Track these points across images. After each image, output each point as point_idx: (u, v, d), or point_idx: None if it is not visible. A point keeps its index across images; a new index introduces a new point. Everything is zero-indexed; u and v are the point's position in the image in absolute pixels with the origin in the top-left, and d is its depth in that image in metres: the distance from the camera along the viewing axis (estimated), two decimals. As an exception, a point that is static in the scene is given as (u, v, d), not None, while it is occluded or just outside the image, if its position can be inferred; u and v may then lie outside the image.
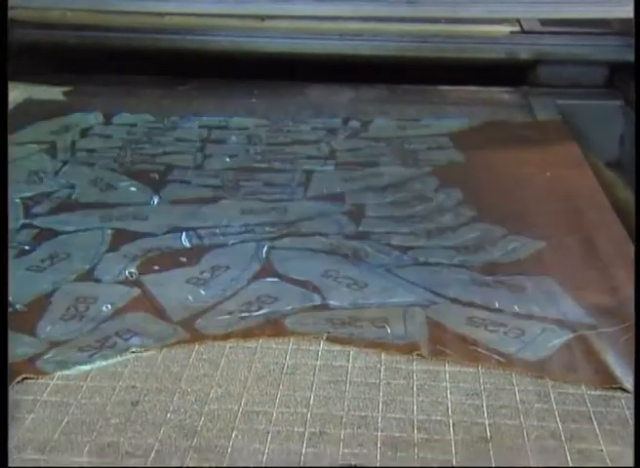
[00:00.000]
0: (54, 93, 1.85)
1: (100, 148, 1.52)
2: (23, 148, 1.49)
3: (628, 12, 1.59)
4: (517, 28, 1.87)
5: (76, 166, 1.44)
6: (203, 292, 1.00)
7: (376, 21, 1.89)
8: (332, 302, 0.98)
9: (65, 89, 1.87)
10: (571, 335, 0.90)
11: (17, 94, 1.78)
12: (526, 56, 1.84)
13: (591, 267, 1.05)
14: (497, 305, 0.97)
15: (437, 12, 1.85)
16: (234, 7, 1.93)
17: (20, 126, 1.59)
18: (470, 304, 0.98)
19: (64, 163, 1.45)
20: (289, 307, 0.97)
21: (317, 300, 0.99)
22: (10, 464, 0.71)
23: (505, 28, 1.88)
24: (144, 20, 1.95)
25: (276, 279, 1.04)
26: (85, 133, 1.61)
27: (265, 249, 1.11)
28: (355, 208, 1.25)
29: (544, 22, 1.87)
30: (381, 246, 1.13)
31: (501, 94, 1.82)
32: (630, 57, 1.56)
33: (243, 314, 0.95)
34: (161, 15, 1.95)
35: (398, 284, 1.02)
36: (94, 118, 1.68)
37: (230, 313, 0.96)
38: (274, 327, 0.93)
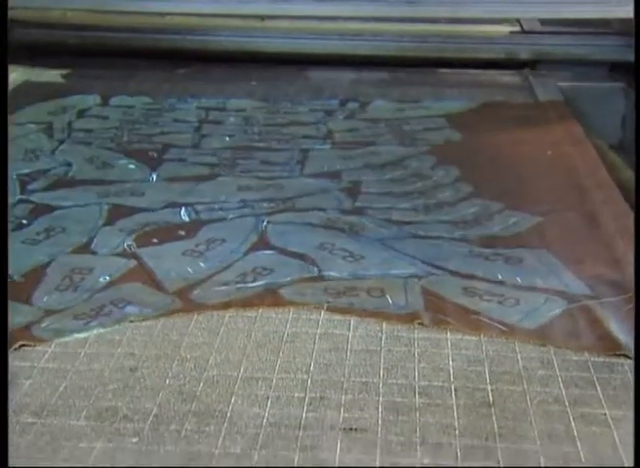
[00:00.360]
0: (52, 75, 1.84)
1: (96, 128, 1.52)
2: (21, 128, 1.49)
3: (628, 12, 1.59)
4: (517, 28, 1.87)
5: (73, 145, 1.43)
6: (200, 264, 1.00)
7: (376, 21, 1.89)
8: (328, 273, 0.97)
9: (64, 71, 1.86)
10: (573, 305, 0.89)
11: (16, 76, 1.77)
12: (526, 56, 1.84)
13: (593, 241, 1.05)
14: (499, 277, 0.96)
15: (437, 12, 1.84)
16: (234, 7, 1.93)
17: (18, 107, 1.58)
18: (470, 276, 0.97)
19: (61, 142, 1.44)
20: (286, 278, 0.96)
21: (313, 272, 0.98)
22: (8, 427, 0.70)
23: (505, 28, 1.87)
24: (145, 20, 1.95)
25: (272, 251, 1.03)
26: (82, 114, 1.60)
27: (264, 223, 1.10)
28: (352, 184, 1.25)
29: (544, 22, 1.86)
30: (378, 220, 1.12)
31: (502, 76, 1.82)
32: (630, 57, 1.56)
33: (239, 285, 0.95)
34: (161, 15, 1.96)
35: (395, 256, 1.02)
36: (92, 100, 1.67)
37: (226, 284, 0.95)
38: (273, 297, 0.92)
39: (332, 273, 0.98)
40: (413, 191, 1.22)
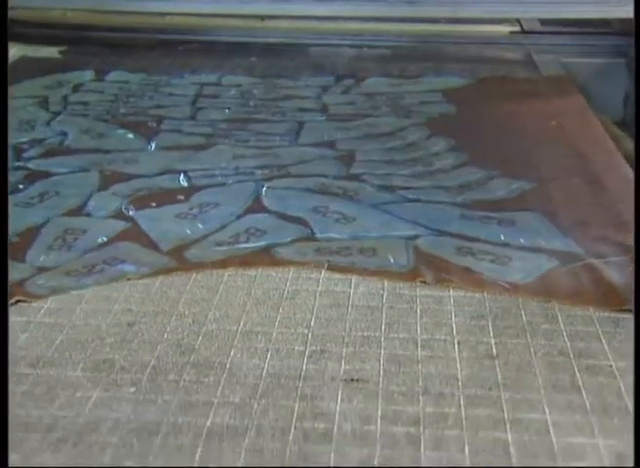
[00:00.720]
0: (50, 51, 1.83)
1: (93, 101, 1.50)
2: (17, 101, 1.47)
3: (628, 12, 1.57)
4: (517, 28, 1.86)
5: (69, 117, 1.42)
6: (194, 226, 0.99)
7: (376, 21, 1.88)
8: (322, 235, 0.97)
9: (62, 48, 1.85)
10: (577, 263, 0.88)
11: (13, 51, 1.76)
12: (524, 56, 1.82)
13: (597, 204, 1.03)
14: (501, 239, 0.95)
15: (437, 12, 1.83)
16: (235, 7, 1.93)
17: (15, 81, 1.57)
18: (471, 239, 0.95)
19: (57, 114, 1.43)
20: (282, 239, 0.95)
21: (309, 233, 0.97)
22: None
23: (505, 28, 1.86)
24: (145, 20, 1.95)
25: (265, 214, 1.02)
26: (78, 88, 1.59)
27: (264, 189, 1.09)
28: (347, 153, 1.24)
29: (544, 22, 1.85)
30: (371, 186, 1.11)
31: (504, 51, 1.80)
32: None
33: (233, 245, 0.94)
34: (161, 14, 1.95)
35: (387, 219, 1.01)
36: (88, 75, 1.66)
37: (220, 244, 0.94)
38: (271, 256, 0.91)
39: (325, 234, 0.97)
40: (407, 159, 1.21)
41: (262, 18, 1.90)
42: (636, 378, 0.63)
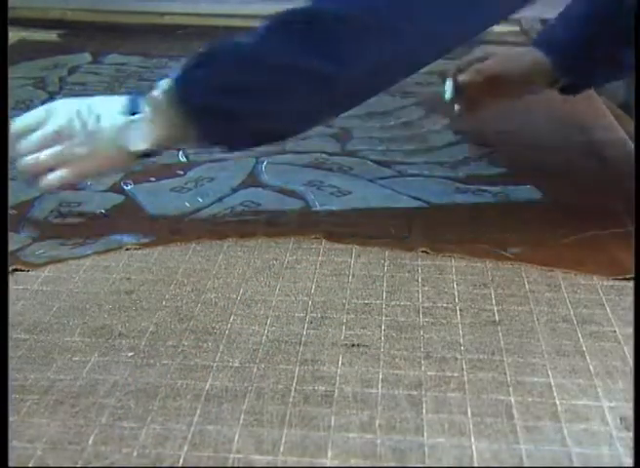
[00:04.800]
0: (48, 34, 1.82)
1: (89, 82, 1.50)
2: (13, 82, 1.46)
3: None
4: (517, 28, 1.85)
5: (65, 97, 1.41)
6: (192, 199, 0.98)
7: None
8: (319, 207, 0.96)
9: (60, 31, 1.84)
10: (580, 235, 0.87)
11: (11, 34, 1.74)
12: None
13: (599, 177, 1.03)
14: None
15: None
16: (235, 7, 1.92)
17: (12, 63, 1.56)
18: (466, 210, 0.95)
19: (53, 94, 1.42)
20: (279, 211, 0.95)
21: (303, 205, 0.97)
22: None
23: (505, 28, 1.85)
24: (145, 20, 1.93)
25: (260, 188, 1.02)
26: (75, 70, 1.58)
27: (264, 164, 1.08)
28: (342, 131, 1.23)
29: (544, 22, 1.84)
30: (367, 161, 1.11)
31: (504, 35, 1.79)
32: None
33: (230, 218, 0.93)
34: (161, 15, 1.94)
35: (383, 192, 1.00)
36: (85, 57, 1.66)
37: (215, 216, 0.94)
38: (269, 227, 0.90)
39: (327, 207, 0.96)
40: (401, 136, 1.21)
41: (263, 18, 1.89)
42: (636, 379, 0.62)
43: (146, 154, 0.87)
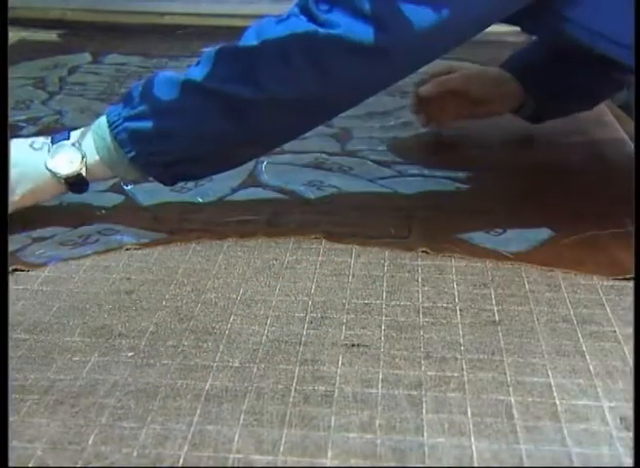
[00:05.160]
0: (48, 35, 1.82)
1: (89, 82, 1.50)
2: (13, 82, 1.46)
3: None
4: (517, 28, 1.84)
5: (65, 96, 1.41)
6: (192, 199, 0.98)
7: None
8: (321, 207, 0.96)
9: (60, 31, 1.84)
10: (580, 235, 0.87)
11: (11, 34, 1.74)
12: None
13: (599, 176, 1.03)
14: (502, 212, 0.94)
15: None
16: (235, 7, 1.92)
17: (12, 63, 1.56)
18: (466, 211, 0.95)
19: (53, 94, 1.42)
20: (279, 211, 0.95)
21: (303, 205, 0.97)
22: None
23: (505, 28, 1.84)
24: (145, 20, 1.93)
25: (260, 188, 1.02)
26: (75, 69, 1.58)
27: (264, 164, 1.08)
28: (342, 131, 1.22)
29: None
30: (367, 161, 1.10)
31: (507, 36, 1.79)
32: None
33: (229, 218, 0.93)
34: (161, 15, 1.94)
35: (382, 192, 1.00)
36: (85, 57, 1.66)
37: (216, 215, 0.93)
38: (269, 227, 0.90)
39: (327, 207, 0.96)
40: (400, 136, 1.21)
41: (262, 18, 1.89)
42: (636, 379, 0.62)
43: (78, 183, 0.87)
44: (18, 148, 0.87)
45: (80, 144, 0.86)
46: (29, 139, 0.89)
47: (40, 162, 0.86)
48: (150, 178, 0.90)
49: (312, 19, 0.80)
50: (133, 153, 0.85)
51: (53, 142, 0.87)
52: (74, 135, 0.88)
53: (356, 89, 0.85)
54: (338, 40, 0.78)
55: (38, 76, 1.52)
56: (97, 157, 0.86)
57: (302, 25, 0.80)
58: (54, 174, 0.86)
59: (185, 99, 0.83)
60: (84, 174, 0.86)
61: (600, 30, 0.81)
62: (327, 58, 0.79)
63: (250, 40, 0.83)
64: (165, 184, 0.92)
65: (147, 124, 0.83)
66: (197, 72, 0.83)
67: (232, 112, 0.82)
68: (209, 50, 0.84)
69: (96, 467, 0.56)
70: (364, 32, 0.77)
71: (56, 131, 0.90)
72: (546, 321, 0.72)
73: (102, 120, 0.87)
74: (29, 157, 0.87)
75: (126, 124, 0.84)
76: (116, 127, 0.85)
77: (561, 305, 0.75)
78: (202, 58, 0.84)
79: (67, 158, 0.85)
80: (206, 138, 0.84)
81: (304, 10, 0.81)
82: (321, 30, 0.78)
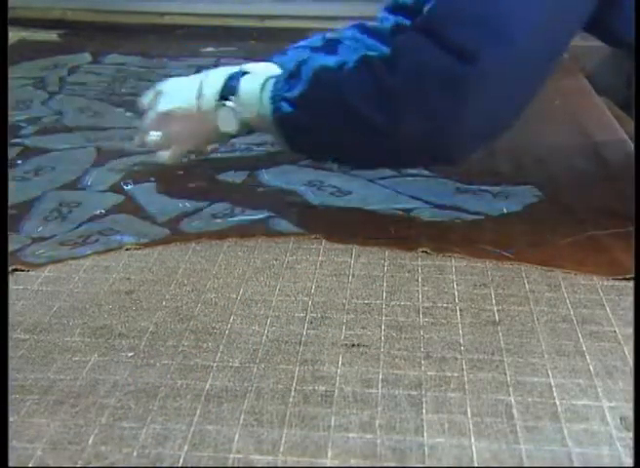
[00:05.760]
0: (48, 35, 1.82)
1: (89, 82, 1.50)
2: (13, 82, 1.46)
3: None
4: None
5: (65, 96, 1.41)
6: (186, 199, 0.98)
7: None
8: (321, 207, 0.96)
9: (60, 31, 1.84)
10: (580, 235, 0.87)
11: (11, 34, 1.74)
12: None
13: (599, 178, 1.03)
14: (504, 211, 0.94)
15: None
16: (235, 7, 1.92)
17: (12, 62, 1.56)
18: (469, 211, 0.95)
19: (53, 94, 1.42)
20: (279, 211, 0.94)
21: (303, 205, 0.97)
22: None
23: None
24: (145, 20, 1.93)
25: (260, 188, 1.02)
26: (75, 70, 1.58)
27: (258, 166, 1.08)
28: None
29: None
30: None
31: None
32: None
33: (229, 218, 0.93)
34: (161, 15, 1.94)
35: (382, 192, 1.00)
36: (85, 57, 1.66)
37: (214, 216, 0.93)
38: (270, 227, 0.90)
39: (325, 207, 0.96)
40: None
41: (262, 18, 1.89)
42: (636, 379, 0.62)
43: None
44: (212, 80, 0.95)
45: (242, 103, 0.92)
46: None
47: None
48: None
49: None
50: (281, 129, 0.89)
51: (220, 98, 0.93)
52: (241, 91, 0.92)
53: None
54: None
55: (38, 76, 1.52)
56: (255, 115, 0.91)
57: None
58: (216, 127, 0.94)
59: (331, 102, 0.85)
60: (235, 131, 0.95)
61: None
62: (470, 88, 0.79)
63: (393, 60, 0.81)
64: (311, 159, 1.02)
65: (295, 111, 0.86)
66: (347, 75, 0.84)
67: (365, 132, 0.83)
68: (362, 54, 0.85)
69: (96, 467, 0.56)
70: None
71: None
72: (546, 321, 0.72)
73: (268, 88, 0.89)
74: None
75: (282, 103, 0.87)
76: (275, 102, 0.87)
77: (561, 305, 0.75)
78: (356, 61, 0.84)
79: (227, 118, 0.93)
80: (337, 144, 0.88)
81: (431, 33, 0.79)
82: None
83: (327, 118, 0.85)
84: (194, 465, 0.56)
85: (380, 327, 0.72)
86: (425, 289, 0.78)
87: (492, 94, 0.79)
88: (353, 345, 0.69)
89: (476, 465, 0.56)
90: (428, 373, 0.65)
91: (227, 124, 0.93)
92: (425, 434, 0.59)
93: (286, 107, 0.86)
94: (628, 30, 0.83)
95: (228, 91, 0.92)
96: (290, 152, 0.95)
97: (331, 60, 0.87)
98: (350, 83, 0.83)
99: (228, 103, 0.92)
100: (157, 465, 0.56)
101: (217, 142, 1.05)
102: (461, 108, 0.79)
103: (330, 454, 0.57)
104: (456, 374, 0.65)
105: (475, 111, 0.79)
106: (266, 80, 0.90)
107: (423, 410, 0.61)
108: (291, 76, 0.87)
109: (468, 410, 0.61)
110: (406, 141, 0.82)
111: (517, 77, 0.80)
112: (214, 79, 0.94)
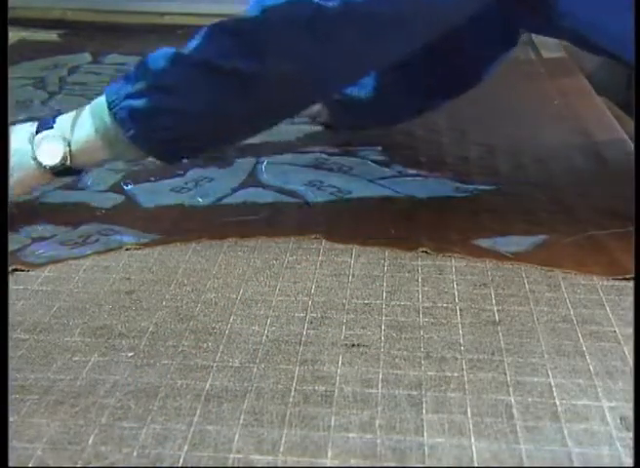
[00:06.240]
0: (48, 35, 1.83)
1: (89, 82, 1.50)
2: (13, 82, 1.46)
3: None
4: None
5: (65, 96, 1.41)
6: (192, 199, 0.98)
7: None
8: (321, 207, 0.96)
9: (60, 31, 1.85)
10: (580, 235, 0.87)
11: (11, 34, 1.74)
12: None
13: (599, 177, 1.03)
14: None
15: None
16: (234, 7, 1.90)
17: (12, 63, 1.56)
18: (464, 211, 0.95)
19: (54, 94, 1.43)
20: (279, 211, 0.95)
21: (304, 205, 0.97)
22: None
23: None
24: (145, 20, 1.94)
25: (260, 188, 1.02)
26: (75, 69, 1.58)
27: (264, 164, 1.08)
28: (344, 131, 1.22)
29: None
30: (367, 161, 1.10)
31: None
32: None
33: (230, 218, 0.93)
34: (161, 15, 1.95)
35: (382, 192, 1.00)
36: (85, 57, 1.66)
37: (216, 215, 0.94)
38: (269, 227, 0.90)
39: (325, 207, 0.96)
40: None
41: None
42: (636, 379, 0.62)
43: (66, 171, 0.87)
44: (16, 136, 0.87)
45: (69, 131, 0.85)
46: (30, 127, 0.87)
47: (29, 152, 0.86)
48: (150, 158, 0.90)
49: None
50: (132, 131, 0.83)
51: (37, 132, 0.86)
52: (60, 121, 0.86)
53: (357, 61, 0.84)
54: (341, 9, 0.78)
55: (38, 76, 1.53)
56: (95, 139, 0.85)
57: None
58: (39, 164, 0.85)
59: (183, 75, 0.82)
60: (69, 163, 0.85)
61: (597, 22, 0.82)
62: (331, 29, 0.79)
63: (252, 12, 0.83)
64: (167, 162, 0.92)
65: (146, 101, 0.81)
66: (194, 47, 0.82)
67: (231, 87, 0.81)
68: (207, 25, 0.84)
69: (96, 467, 0.56)
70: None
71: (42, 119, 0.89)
72: (546, 321, 0.72)
73: (101, 100, 0.85)
74: (22, 146, 0.86)
75: (125, 102, 0.82)
76: (115, 106, 0.83)
77: (561, 305, 0.75)
78: (201, 33, 0.83)
79: (51, 149, 0.85)
80: (204, 114, 0.83)
81: None
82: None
83: (188, 90, 0.81)
84: (194, 465, 0.56)
85: (380, 327, 0.72)
86: (425, 289, 0.78)
87: (354, 34, 0.80)
88: (353, 345, 0.69)
89: (476, 465, 0.56)
90: (428, 373, 0.65)
91: (51, 155, 0.85)
92: (425, 434, 0.59)
93: (135, 103, 0.81)
94: (617, 46, 0.83)
95: (42, 127, 0.86)
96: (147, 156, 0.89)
97: (170, 50, 0.83)
98: (203, 50, 0.81)
99: (46, 132, 0.85)
100: (157, 465, 0.56)
101: (39, 183, 0.93)
102: (324, 47, 0.80)
103: (330, 454, 0.57)
104: (456, 374, 0.65)
105: (336, 51, 0.80)
106: (92, 104, 0.85)
107: (423, 410, 0.61)
108: (126, 76, 0.83)
109: (468, 410, 0.61)
110: (272, 80, 0.81)
111: (380, 19, 0.79)
112: (20, 129, 0.88)
